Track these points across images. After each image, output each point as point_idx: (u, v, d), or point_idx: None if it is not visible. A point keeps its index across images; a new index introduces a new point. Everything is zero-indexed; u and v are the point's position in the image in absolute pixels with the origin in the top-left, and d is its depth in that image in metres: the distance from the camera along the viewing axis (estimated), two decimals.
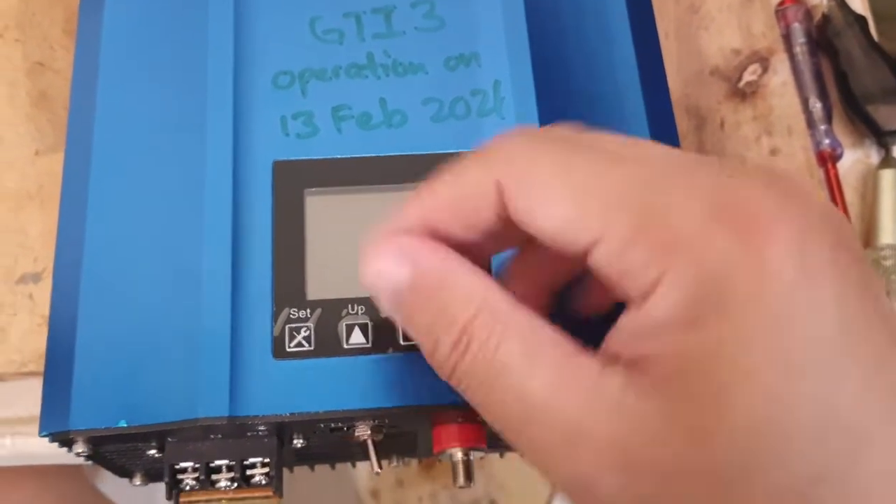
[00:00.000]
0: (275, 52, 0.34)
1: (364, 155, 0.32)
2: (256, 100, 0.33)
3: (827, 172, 0.46)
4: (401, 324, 0.25)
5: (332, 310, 0.30)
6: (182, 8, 0.35)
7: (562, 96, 0.34)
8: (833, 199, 0.46)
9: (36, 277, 0.41)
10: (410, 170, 0.32)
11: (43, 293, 0.40)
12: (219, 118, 0.32)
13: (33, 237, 0.41)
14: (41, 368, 0.38)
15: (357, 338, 0.29)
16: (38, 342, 0.39)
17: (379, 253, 0.24)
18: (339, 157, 0.32)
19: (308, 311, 0.30)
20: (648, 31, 0.37)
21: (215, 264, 0.30)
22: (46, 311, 0.39)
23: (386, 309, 0.25)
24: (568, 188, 0.22)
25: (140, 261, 0.30)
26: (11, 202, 0.42)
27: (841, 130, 0.48)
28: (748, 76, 0.46)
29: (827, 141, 0.46)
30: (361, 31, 0.34)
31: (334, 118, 0.33)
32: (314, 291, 0.30)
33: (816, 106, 0.47)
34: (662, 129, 0.35)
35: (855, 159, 0.47)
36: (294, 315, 0.30)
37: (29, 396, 0.41)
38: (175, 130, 0.33)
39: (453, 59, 0.34)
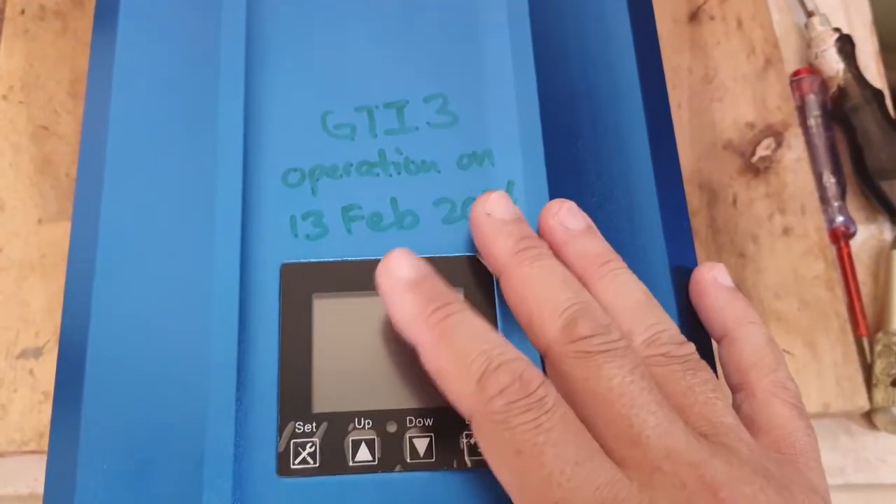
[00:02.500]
0: (285, 146, 0.33)
1: (375, 258, 0.31)
2: (265, 197, 0.32)
3: (840, 250, 0.46)
4: None
5: (339, 424, 0.29)
6: (192, 97, 0.34)
7: (571, 177, 0.34)
8: (845, 279, 0.45)
9: (37, 352, 0.40)
10: None
11: (44, 368, 0.40)
12: (227, 216, 0.32)
13: (35, 310, 0.41)
14: (42, 447, 0.38)
15: (363, 455, 0.29)
16: (38, 420, 0.39)
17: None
18: (348, 259, 0.31)
19: (314, 424, 0.29)
20: (660, 101, 0.36)
21: (220, 374, 0.30)
22: (47, 388, 0.39)
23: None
24: None
25: (143, 373, 0.30)
26: (14, 272, 0.42)
27: (854, 205, 0.47)
28: (762, 151, 0.46)
29: (840, 218, 0.46)
30: (374, 127, 0.33)
31: (344, 218, 0.32)
32: (320, 404, 0.30)
33: (830, 181, 0.46)
34: (672, 203, 0.34)
35: (868, 235, 0.47)
36: (299, 429, 0.29)
37: (29, 473, 0.40)
38: (183, 221, 0.32)
39: (466, 157, 0.33)
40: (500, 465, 0.25)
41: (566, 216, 0.30)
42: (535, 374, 0.25)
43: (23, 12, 0.47)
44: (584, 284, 0.29)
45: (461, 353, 0.26)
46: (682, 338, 0.28)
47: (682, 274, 0.32)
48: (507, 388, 0.25)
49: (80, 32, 0.46)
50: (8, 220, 0.42)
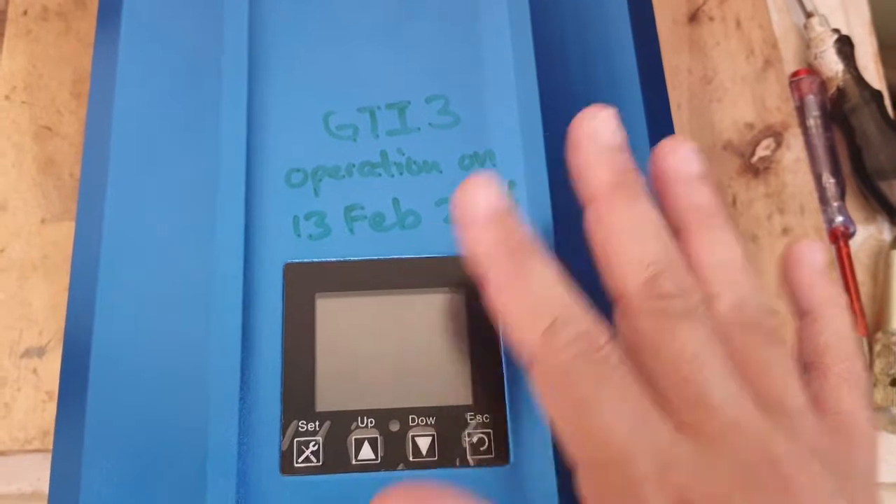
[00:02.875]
0: (288, 147, 0.33)
1: (377, 257, 0.32)
2: (269, 198, 0.32)
3: (839, 250, 0.46)
4: None
5: (342, 422, 0.30)
6: (196, 97, 0.34)
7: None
8: (844, 279, 0.45)
9: (40, 351, 0.40)
10: (423, 273, 0.31)
11: (47, 367, 0.40)
12: (230, 216, 0.32)
13: (38, 309, 0.41)
14: (45, 446, 0.38)
15: (366, 453, 0.29)
16: (42, 419, 0.39)
17: None
18: (351, 259, 0.32)
19: (317, 423, 0.29)
20: (660, 102, 0.37)
21: (223, 373, 0.30)
22: (51, 387, 0.39)
23: None
24: None
25: (147, 372, 0.30)
26: (16, 272, 0.42)
27: (853, 205, 0.47)
28: (761, 151, 0.46)
29: (840, 218, 0.46)
30: (375, 128, 0.34)
31: (347, 218, 0.32)
32: (323, 403, 0.30)
33: (830, 182, 0.46)
34: None
35: (867, 235, 0.47)
36: (303, 428, 0.29)
37: (32, 472, 0.40)
38: (186, 221, 0.33)
39: (468, 158, 0.33)
40: (557, 413, 0.25)
41: (680, 158, 0.29)
42: (603, 331, 0.25)
43: (25, 13, 0.47)
44: (684, 234, 0.28)
45: (534, 298, 0.26)
46: (772, 308, 0.27)
47: None
48: (575, 340, 0.25)
49: (83, 33, 0.46)
50: (10, 219, 0.43)
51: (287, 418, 0.29)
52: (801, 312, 0.30)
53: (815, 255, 0.30)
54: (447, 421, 0.29)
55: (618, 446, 0.24)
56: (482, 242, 0.27)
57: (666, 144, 0.29)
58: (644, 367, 0.26)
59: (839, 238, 0.46)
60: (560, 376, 0.25)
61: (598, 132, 0.28)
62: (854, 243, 0.47)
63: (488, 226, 0.27)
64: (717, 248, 0.28)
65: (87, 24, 0.47)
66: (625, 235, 0.27)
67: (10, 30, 0.46)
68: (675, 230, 0.28)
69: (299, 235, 0.32)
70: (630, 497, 0.23)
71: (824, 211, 0.46)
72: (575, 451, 0.25)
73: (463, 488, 0.25)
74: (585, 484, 0.25)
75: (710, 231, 0.28)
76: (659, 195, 0.29)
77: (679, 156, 0.29)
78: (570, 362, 0.24)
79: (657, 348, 0.25)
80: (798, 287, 0.30)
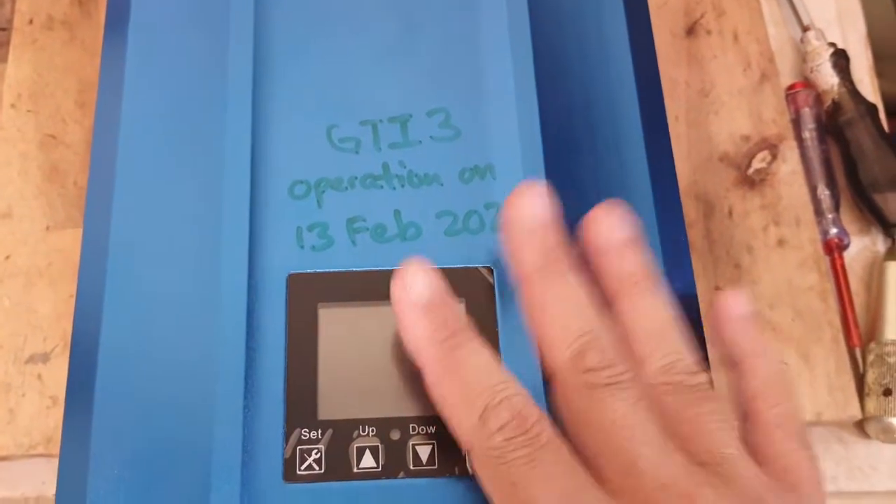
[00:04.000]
0: (291, 159, 0.34)
1: (378, 268, 0.32)
2: (273, 209, 0.33)
3: (833, 262, 0.46)
4: None
5: (344, 431, 0.30)
6: (201, 109, 0.35)
7: (571, 190, 0.34)
8: (838, 290, 0.46)
9: (45, 357, 0.41)
10: None
11: (52, 373, 0.41)
12: (235, 227, 0.32)
13: (42, 316, 0.42)
14: (49, 451, 0.38)
15: (368, 461, 0.30)
16: (46, 424, 0.40)
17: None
18: (353, 269, 0.32)
19: (319, 431, 0.30)
20: (658, 114, 0.37)
21: (228, 382, 0.30)
22: (55, 392, 0.39)
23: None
24: None
25: (153, 380, 0.31)
26: (22, 278, 0.42)
27: (848, 217, 0.48)
28: (757, 163, 0.47)
29: (834, 230, 0.46)
30: (377, 140, 0.34)
31: (349, 230, 0.33)
32: (326, 411, 0.30)
33: (825, 194, 0.47)
34: (669, 215, 0.35)
35: (862, 247, 0.48)
36: (305, 436, 0.30)
37: (37, 476, 0.41)
38: (192, 231, 0.33)
39: (468, 171, 0.34)
40: (495, 496, 0.26)
41: (609, 225, 0.30)
42: (534, 410, 0.27)
43: (31, 22, 0.48)
44: (612, 300, 0.29)
45: (467, 385, 0.27)
46: (698, 367, 0.29)
47: (680, 304, 0.33)
48: (506, 424, 0.26)
49: (88, 42, 0.47)
50: (16, 227, 0.43)
51: (290, 426, 0.30)
52: (731, 364, 0.31)
53: (739, 306, 0.31)
54: (447, 430, 0.30)
55: None
56: (417, 335, 0.28)
57: (593, 214, 0.30)
58: (577, 439, 0.27)
59: (834, 249, 0.46)
60: (494, 461, 0.26)
61: (524, 214, 0.29)
62: (848, 255, 0.47)
63: (422, 316, 0.28)
64: (644, 313, 0.29)
65: (93, 33, 0.47)
66: (551, 313, 0.28)
67: (15, 39, 0.47)
68: (608, 297, 0.30)
69: (302, 246, 0.33)
70: None
71: (819, 223, 0.47)
72: None
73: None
74: None
75: (638, 297, 0.29)
76: (591, 264, 0.30)
77: (606, 224, 0.30)
78: (502, 446, 0.26)
79: (587, 421, 0.27)
80: (725, 339, 0.31)
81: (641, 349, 0.29)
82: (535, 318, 0.29)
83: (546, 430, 0.26)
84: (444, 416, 0.28)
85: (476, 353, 0.28)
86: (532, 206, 0.29)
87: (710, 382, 0.29)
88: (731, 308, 0.31)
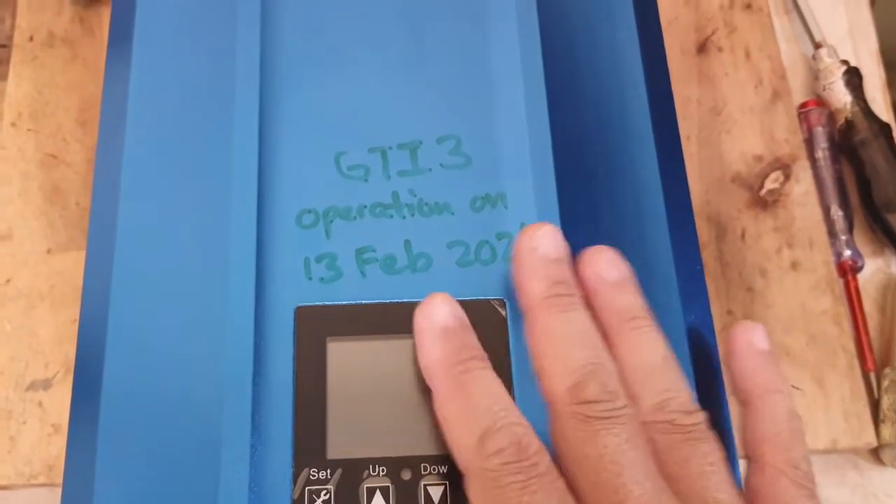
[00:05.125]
0: (299, 187, 0.33)
1: (388, 301, 0.32)
2: (280, 239, 0.32)
3: (847, 284, 0.46)
4: None
5: (353, 470, 0.29)
6: (207, 136, 0.34)
7: (585, 218, 0.34)
8: (852, 313, 0.45)
9: (46, 384, 0.40)
10: None
11: (53, 400, 0.40)
12: (241, 258, 0.32)
13: (44, 340, 0.41)
14: (51, 480, 0.38)
15: (378, 502, 0.29)
16: (47, 453, 0.39)
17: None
18: (362, 302, 0.31)
19: (328, 471, 0.29)
20: (672, 140, 0.36)
21: (234, 419, 0.30)
22: (56, 420, 0.39)
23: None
24: None
25: (157, 417, 0.30)
26: (23, 302, 0.42)
27: (861, 238, 0.47)
28: (770, 184, 0.46)
29: (848, 252, 0.46)
30: (387, 168, 0.33)
31: (358, 261, 0.32)
32: (335, 450, 0.30)
33: (838, 215, 0.46)
34: (685, 249, 0.34)
35: (875, 268, 0.47)
36: (314, 476, 0.29)
37: None
38: (197, 260, 0.32)
39: (479, 200, 0.33)
40: None
41: (602, 266, 0.30)
42: (534, 441, 0.26)
43: (31, 39, 0.47)
44: (607, 338, 0.29)
45: (471, 407, 0.27)
46: (693, 406, 0.28)
47: (696, 333, 0.32)
48: (504, 449, 0.26)
49: (90, 60, 0.46)
50: (17, 249, 0.42)
51: (298, 466, 0.29)
52: (742, 401, 0.30)
53: (754, 339, 0.31)
54: (460, 470, 0.29)
55: None
56: (432, 356, 0.29)
57: (586, 254, 0.30)
58: (570, 472, 0.27)
59: (847, 272, 0.46)
60: (490, 483, 0.26)
61: (536, 246, 0.30)
62: (862, 277, 0.46)
63: (440, 340, 0.29)
64: (639, 350, 0.29)
65: (94, 50, 0.46)
66: (554, 343, 0.28)
67: (16, 56, 0.46)
68: (604, 334, 0.29)
69: (310, 278, 0.32)
70: None
71: (832, 244, 0.46)
72: None
73: None
74: None
75: (632, 334, 0.29)
76: (588, 300, 0.30)
77: (599, 264, 0.30)
78: (499, 470, 0.26)
79: (581, 453, 0.26)
80: (738, 374, 0.31)
81: (635, 386, 0.28)
82: (539, 347, 0.29)
83: (544, 461, 0.26)
84: (446, 435, 0.28)
85: (486, 379, 0.28)
86: (545, 238, 0.30)
87: (706, 421, 0.28)
88: (748, 340, 0.31)
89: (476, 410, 0.27)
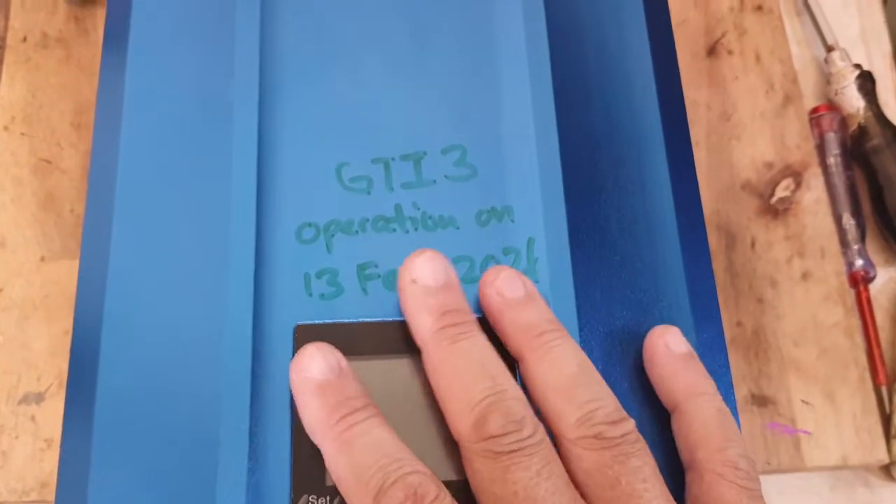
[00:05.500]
0: (299, 200, 0.32)
1: (391, 319, 0.31)
2: (279, 254, 0.31)
3: (858, 295, 0.45)
4: None
5: None
6: (204, 145, 0.33)
7: (594, 231, 0.33)
8: (864, 325, 0.44)
9: (39, 398, 0.39)
10: None
11: (46, 415, 0.39)
12: (240, 274, 0.31)
13: (37, 352, 0.40)
14: (44, 497, 0.37)
15: None
16: (40, 469, 0.38)
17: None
18: (364, 320, 0.30)
19: (327, 498, 0.28)
20: (682, 142, 0.36)
21: (231, 443, 0.29)
22: (49, 435, 0.38)
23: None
24: None
25: (152, 442, 0.29)
26: (16, 312, 0.41)
27: (874, 247, 0.46)
28: (781, 192, 0.45)
29: (860, 262, 0.45)
30: (390, 180, 0.32)
31: (360, 277, 0.31)
32: None
33: (850, 223, 0.45)
34: (696, 263, 0.33)
35: (888, 278, 0.46)
36: (313, 503, 0.28)
37: None
38: (193, 274, 0.31)
39: (485, 213, 0.32)
40: None
41: (502, 284, 0.29)
42: (430, 488, 0.25)
43: (25, 39, 0.46)
44: (519, 357, 0.28)
45: (359, 467, 0.26)
46: (619, 414, 0.27)
47: (707, 347, 0.31)
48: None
49: (85, 61, 0.45)
50: (10, 257, 0.41)
51: (297, 492, 0.28)
52: (670, 407, 0.29)
53: (671, 343, 0.30)
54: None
55: None
56: (311, 417, 0.27)
57: (486, 276, 0.29)
58: None
59: (859, 282, 0.45)
60: None
61: (419, 276, 0.28)
62: (874, 287, 0.46)
63: (316, 397, 0.27)
64: (553, 365, 0.28)
65: (90, 51, 0.45)
66: (451, 379, 0.27)
67: (8, 57, 0.45)
68: (516, 354, 0.28)
69: (311, 294, 0.31)
70: None
71: (844, 254, 0.45)
72: None
73: None
74: None
75: (543, 350, 0.28)
76: (493, 327, 0.29)
77: (500, 283, 0.29)
78: None
79: (493, 490, 0.25)
80: (659, 381, 0.29)
81: (555, 404, 0.27)
82: (438, 384, 0.28)
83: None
84: (344, 497, 0.27)
85: (370, 429, 0.27)
86: (425, 266, 0.29)
87: (635, 429, 0.27)
88: (665, 344, 0.30)
89: (365, 470, 0.26)
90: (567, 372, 0.28)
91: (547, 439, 0.26)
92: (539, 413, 0.28)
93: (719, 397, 0.29)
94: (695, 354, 0.30)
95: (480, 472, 0.26)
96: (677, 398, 0.29)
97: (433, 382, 0.28)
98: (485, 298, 0.29)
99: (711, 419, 0.28)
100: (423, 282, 0.28)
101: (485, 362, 0.27)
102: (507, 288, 0.29)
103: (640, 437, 0.27)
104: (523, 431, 0.26)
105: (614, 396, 0.28)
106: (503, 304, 0.29)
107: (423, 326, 0.28)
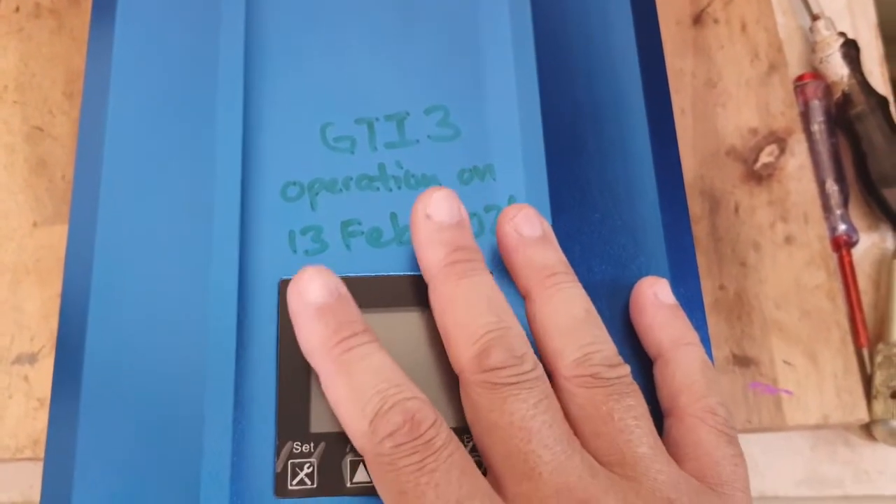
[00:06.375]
0: (284, 159, 0.33)
1: (373, 274, 0.31)
2: (264, 212, 0.32)
3: (841, 259, 0.45)
4: None
5: (336, 444, 0.29)
6: (191, 106, 0.33)
7: (574, 191, 0.33)
8: (846, 289, 0.45)
9: (32, 358, 0.40)
10: (421, 291, 0.31)
11: (39, 375, 0.40)
12: (225, 230, 0.31)
13: (30, 315, 0.41)
14: (37, 454, 0.38)
15: (361, 475, 0.29)
16: (33, 427, 0.39)
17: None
18: (347, 275, 0.31)
19: (311, 445, 0.29)
20: (665, 113, 0.36)
21: (217, 392, 0.29)
22: (42, 394, 0.39)
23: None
24: None
25: (139, 390, 0.30)
26: (8, 275, 0.41)
27: (857, 213, 0.47)
28: (765, 158, 0.45)
29: (843, 227, 0.45)
30: (373, 140, 0.33)
31: (343, 234, 0.32)
32: (318, 424, 0.29)
33: (833, 189, 0.46)
34: (675, 221, 0.34)
35: (870, 244, 0.47)
36: (297, 450, 0.29)
37: (23, 480, 0.40)
38: (180, 233, 0.32)
39: (467, 172, 0.33)
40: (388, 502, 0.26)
41: (521, 222, 0.30)
42: (428, 413, 0.26)
43: (17, 10, 0.46)
44: (527, 296, 0.29)
45: (358, 389, 0.26)
46: (617, 359, 0.28)
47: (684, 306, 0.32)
48: (397, 430, 0.25)
49: (76, 31, 0.46)
50: (2, 222, 0.42)
51: (281, 439, 0.29)
52: (654, 355, 0.30)
53: (660, 294, 0.30)
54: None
55: None
56: (310, 339, 0.28)
57: (506, 212, 0.30)
58: (481, 443, 0.26)
59: (842, 247, 0.45)
60: (386, 468, 0.25)
61: (434, 212, 0.29)
62: (857, 252, 0.46)
63: (315, 321, 0.27)
64: (560, 306, 0.28)
65: (81, 21, 0.46)
66: (457, 312, 0.27)
67: (1, 27, 0.46)
68: (523, 294, 0.29)
69: (295, 251, 0.31)
70: None
71: (827, 219, 0.45)
72: None
73: None
74: None
75: (552, 290, 0.29)
76: (505, 262, 0.30)
77: (517, 221, 0.29)
78: (392, 453, 0.25)
79: (490, 420, 0.26)
80: (645, 330, 0.30)
81: (556, 343, 0.28)
82: (443, 317, 0.28)
83: (441, 434, 0.25)
84: (340, 421, 0.27)
85: (370, 356, 0.27)
86: (440, 204, 0.29)
87: (629, 375, 0.28)
88: (654, 294, 0.30)
89: (363, 393, 0.26)
90: (572, 314, 0.28)
91: (545, 376, 0.27)
92: (538, 354, 0.28)
93: (703, 349, 0.30)
94: (680, 308, 0.31)
95: (478, 403, 0.27)
96: (663, 346, 0.30)
97: (438, 316, 0.28)
98: (501, 234, 0.30)
99: (695, 368, 0.29)
100: (438, 217, 0.29)
101: (491, 299, 0.28)
102: (524, 226, 0.30)
103: (635, 383, 0.28)
104: (523, 366, 0.26)
105: (613, 345, 0.28)
106: (519, 240, 0.29)
107: (432, 260, 0.29)
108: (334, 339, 0.27)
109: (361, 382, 0.26)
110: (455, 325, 0.27)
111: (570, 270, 0.29)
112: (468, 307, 0.27)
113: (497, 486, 0.26)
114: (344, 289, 0.28)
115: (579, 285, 0.29)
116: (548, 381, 0.27)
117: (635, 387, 0.28)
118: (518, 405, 0.26)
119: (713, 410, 0.28)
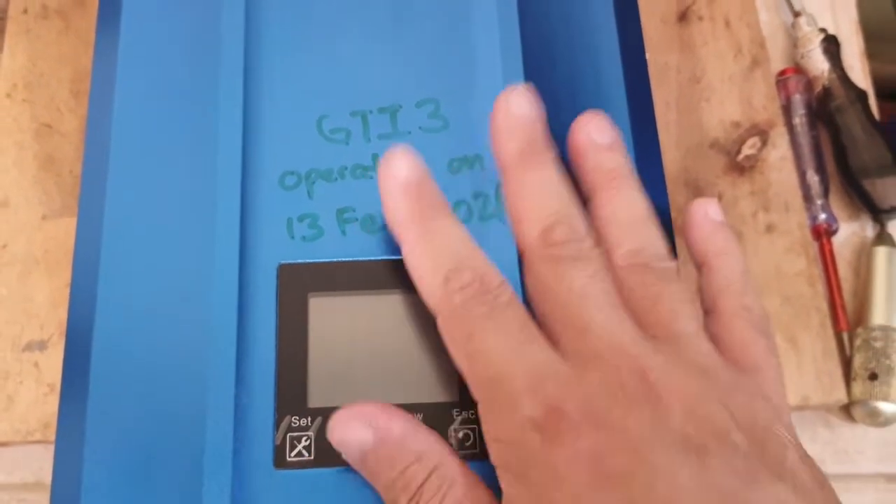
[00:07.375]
0: (282, 150, 0.34)
1: (368, 258, 0.33)
2: (263, 200, 0.33)
3: (822, 247, 0.47)
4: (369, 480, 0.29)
5: None
6: (193, 101, 0.35)
7: None
8: (826, 275, 0.46)
9: (42, 345, 0.41)
10: None
11: (49, 361, 0.41)
12: (226, 218, 0.33)
13: (39, 303, 0.42)
14: (46, 437, 0.39)
15: None
16: (43, 411, 0.40)
17: (345, 420, 0.29)
18: (343, 260, 0.33)
19: (309, 419, 0.31)
20: (645, 106, 0.38)
21: (220, 371, 0.31)
22: (52, 380, 0.40)
23: (355, 467, 0.29)
24: None
25: (146, 370, 0.31)
26: (18, 267, 0.43)
27: (837, 203, 0.48)
28: (747, 150, 0.47)
29: (823, 216, 0.47)
30: (367, 131, 0.35)
31: (339, 221, 0.33)
32: (315, 399, 0.31)
33: (814, 179, 0.47)
34: (653, 199, 0.35)
35: (851, 233, 0.48)
36: (295, 423, 0.30)
37: (34, 462, 0.42)
38: (183, 222, 0.34)
39: (457, 161, 0.34)
40: (456, 351, 0.28)
41: (594, 129, 0.32)
42: (496, 276, 0.28)
43: (25, 11, 0.48)
44: (591, 196, 0.31)
45: (436, 251, 0.29)
46: (668, 256, 0.30)
47: None
48: (468, 285, 0.28)
49: (83, 31, 0.47)
50: (12, 216, 0.44)
51: (280, 414, 0.31)
52: (699, 265, 0.32)
53: (710, 211, 0.33)
54: (434, 416, 0.30)
55: (499, 366, 0.26)
56: (397, 211, 0.30)
57: (580, 119, 0.32)
58: (539, 310, 0.28)
59: (822, 235, 0.47)
60: (456, 318, 0.28)
61: (511, 107, 0.31)
62: (837, 240, 0.48)
63: (403, 195, 0.30)
64: (620, 204, 0.31)
65: (87, 22, 0.47)
66: (526, 196, 0.30)
67: (10, 28, 0.47)
68: (587, 193, 0.31)
69: (293, 237, 0.33)
70: (507, 409, 0.26)
71: (808, 208, 0.47)
72: (469, 383, 0.27)
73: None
74: (481, 413, 0.27)
75: (615, 191, 0.31)
76: (574, 166, 0.32)
77: (590, 128, 0.32)
78: (463, 304, 0.28)
79: (548, 290, 0.28)
80: (695, 241, 0.32)
81: (614, 236, 0.30)
82: (513, 201, 0.31)
83: (507, 292, 0.28)
84: (416, 282, 0.30)
85: (449, 226, 0.30)
86: (521, 100, 0.31)
87: (678, 271, 0.30)
88: (704, 212, 0.33)
89: (440, 253, 0.29)
90: (633, 211, 0.31)
91: (603, 256, 0.29)
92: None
93: (745, 261, 0.32)
94: (728, 225, 0.33)
95: (540, 274, 0.29)
96: (708, 255, 0.32)
97: (509, 199, 0.31)
98: (574, 138, 0.32)
99: (736, 272, 0.31)
100: (518, 111, 0.31)
101: (560, 189, 0.30)
102: (597, 133, 0.32)
103: (682, 279, 0.30)
104: (584, 243, 0.29)
105: (667, 245, 0.30)
106: (590, 145, 0.32)
107: (509, 150, 0.31)
108: (419, 209, 0.30)
109: (440, 246, 0.29)
110: (525, 208, 0.30)
111: (636, 177, 0.32)
112: (538, 193, 0.30)
113: (553, 345, 0.28)
114: (425, 168, 0.31)
115: (642, 190, 0.31)
116: (606, 260, 0.29)
117: (683, 281, 0.30)
118: (576, 273, 0.28)
119: (749, 307, 0.30)
